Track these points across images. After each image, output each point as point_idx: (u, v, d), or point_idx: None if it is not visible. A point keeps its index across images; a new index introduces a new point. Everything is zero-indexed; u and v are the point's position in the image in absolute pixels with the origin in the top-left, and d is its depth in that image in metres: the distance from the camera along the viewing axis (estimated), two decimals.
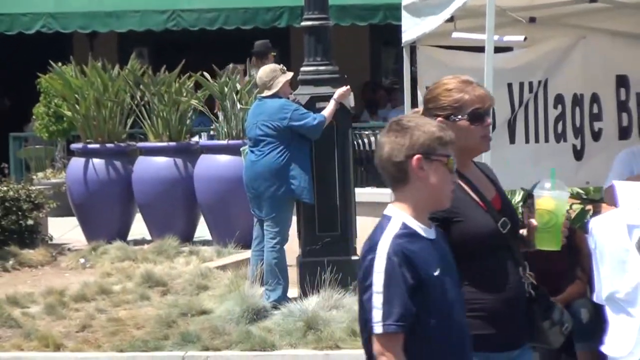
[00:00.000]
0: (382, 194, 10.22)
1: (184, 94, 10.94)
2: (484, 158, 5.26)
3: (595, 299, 5.22)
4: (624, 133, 6.59)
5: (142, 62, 12.21)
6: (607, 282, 5.11)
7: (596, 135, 6.63)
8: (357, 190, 8.87)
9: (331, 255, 8.10)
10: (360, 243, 8.60)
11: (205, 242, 10.67)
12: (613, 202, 5.26)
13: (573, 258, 5.92)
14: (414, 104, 6.61)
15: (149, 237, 10.86)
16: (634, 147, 5.95)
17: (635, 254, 5.01)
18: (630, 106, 6.55)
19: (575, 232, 6.12)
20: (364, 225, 9.45)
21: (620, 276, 5.07)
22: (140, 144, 11.26)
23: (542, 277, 5.95)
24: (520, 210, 6.78)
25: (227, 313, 7.73)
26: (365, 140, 11.87)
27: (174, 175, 10.76)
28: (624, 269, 5.05)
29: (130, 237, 10.93)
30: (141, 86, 11.04)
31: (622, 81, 6.58)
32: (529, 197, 6.11)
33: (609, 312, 5.14)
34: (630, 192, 5.14)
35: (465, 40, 5.96)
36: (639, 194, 5.11)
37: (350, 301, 7.71)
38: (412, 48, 6.42)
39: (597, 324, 5.52)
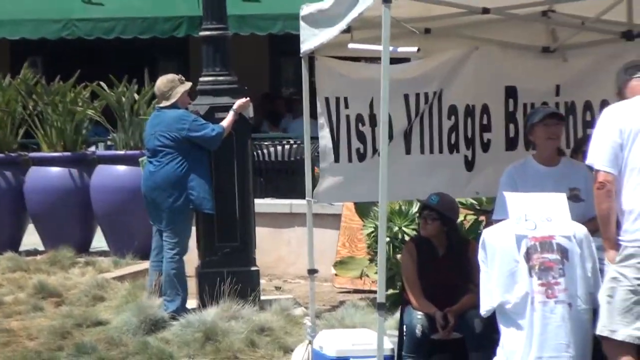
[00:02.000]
0: (281, 204, 10.26)
1: (80, 104, 10.80)
2: (382, 169, 5.33)
3: (482, 312, 5.32)
4: (511, 144, 6.75)
5: (35, 71, 12.01)
6: (497, 293, 5.22)
7: (485, 146, 6.78)
8: (257, 201, 8.88)
9: (230, 266, 8.09)
10: (259, 254, 8.68)
11: (102, 253, 10.55)
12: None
13: (466, 269, 6.03)
14: (314, 114, 6.67)
15: (42, 248, 10.68)
16: (517, 162, 6.08)
17: (523, 265, 5.14)
18: (517, 117, 6.73)
19: (469, 243, 6.23)
20: (263, 236, 9.49)
21: (510, 287, 5.18)
22: (33, 154, 11.08)
23: (438, 289, 6.10)
24: (417, 221, 6.89)
25: (124, 324, 7.65)
26: (265, 151, 11.88)
27: (68, 186, 10.62)
28: (514, 279, 5.17)
29: (22, 248, 10.74)
30: (34, 96, 10.87)
31: (511, 92, 6.74)
32: (424, 208, 6.24)
33: (500, 324, 5.26)
34: (520, 203, 5.28)
35: (362, 51, 6.03)
36: (528, 205, 5.24)
37: (249, 312, 7.71)
38: (311, 58, 6.48)
39: (490, 334, 5.63)
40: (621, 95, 5.17)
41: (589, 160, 4.96)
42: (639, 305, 4.84)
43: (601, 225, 4.98)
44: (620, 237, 4.91)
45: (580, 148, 6.32)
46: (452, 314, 6.02)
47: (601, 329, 4.96)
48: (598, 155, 4.89)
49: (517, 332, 5.17)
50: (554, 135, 5.87)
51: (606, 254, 5.00)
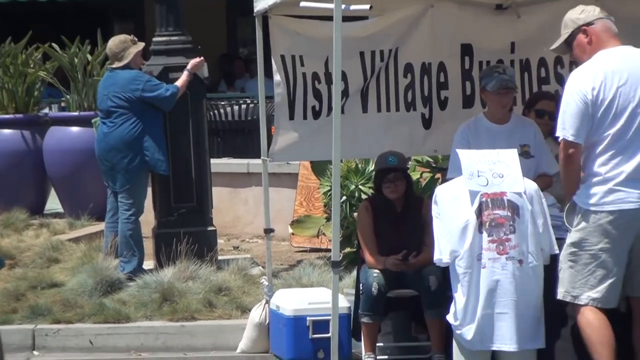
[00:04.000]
0: (238, 164, 10.23)
1: (32, 66, 10.66)
2: (335, 128, 5.32)
3: (434, 260, 5.36)
4: (468, 102, 6.77)
5: None
6: (448, 248, 5.25)
7: (443, 104, 6.79)
8: (214, 160, 8.84)
9: (187, 226, 8.06)
10: (216, 214, 8.65)
11: (57, 215, 10.46)
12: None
13: (421, 226, 6.05)
14: (268, 73, 6.63)
15: None
16: (469, 120, 6.11)
17: (474, 221, 5.16)
18: (473, 75, 6.73)
19: (423, 200, 6.25)
20: (220, 196, 9.46)
21: (461, 242, 5.21)
22: None
23: (395, 247, 6.12)
24: (371, 180, 6.90)
25: (80, 285, 7.61)
26: (222, 111, 11.83)
27: (21, 148, 10.50)
28: (464, 235, 5.19)
29: None
30: None
31: (466, 50, 6.74)
32: (387, 171, 6.22)
33: (452, 281, 5.29)
34: (472, 159, 5.29)
35: (315, 9, 5.99)
36: (480, 161, 5.26)
37: (207, 272, 7.70)
38: (265, 18, 6.42)
39: (444, 291, 5.67)
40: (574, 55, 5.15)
41: (558, 131, 4.97)
42: (601, 269, 4.86)
43: (567, 189, 5.01)
44: (583, 201, 4.91)
45: (533, 105, 6.35)
46: (408, 266, 6.05)
47: (564, 294, 4.97)
48: (566, 125, 4.91)
49: (466, 288, 5.20)
50: (506, 103, 5.99)
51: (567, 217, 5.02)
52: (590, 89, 4.88)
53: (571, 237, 4.99)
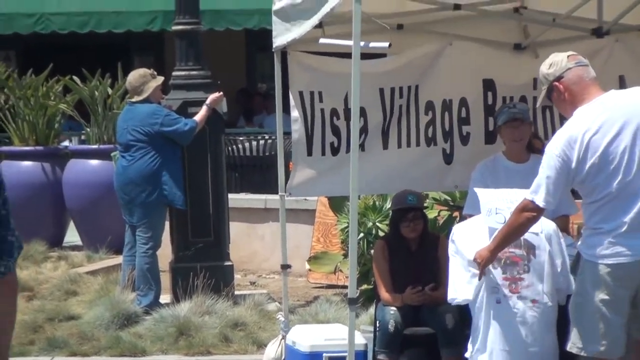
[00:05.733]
0: (255, 199, 10.24)
1: (52, 98, 10.74)
2: (353, 164, 5.32)
3: (448, 299, 5.33)
4: (490, 137, 6.73)
5: (8, 65, 11.92)
6: (464, 285, 5.22)
7: (464, 139, 6.76)
8: (231, 196, 8.86)
9: (204, 261, 8.06)
10: (233, 249, 8.65)
11: (75, 248, 10.49)
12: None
13: (437, 265, 6.03)
14: (286, 109, 6.65)
15: None
16: (487, 159, 6.09)
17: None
18: (496, 110, 6.71)
19: (439, 239, 6.24)
20: (237, 231, 9.46)
21: (475, 279, 5.18)
22: (4, 148, 11.00)
23: (410, 286, 6.10)
24: (389, 215, 6.89)
25: (97, 318, 7.61)
26: (240, 146, 11.86)
27: (40, 180, 10.56)
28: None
29: None
30: (6, 90, 10.79)
31: (489, 85, 6.72)
32: (407, 210, 6.18)
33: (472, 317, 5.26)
34: (490, 197, 5.28)
35: (335, 46, 6.01)
36: (498, 199, 5.25)
37: (223, 307, 7.69)
38: (284, 54, 6.45)
39: (461, 330, 5.64)
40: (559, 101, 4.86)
41: (529, 192, 4.73)
42: (603, 322, 4.68)
43: (507, 238, 4.88)
44: (584, 250, 4.73)
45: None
46: (424, 297, 6.03)
47: (570, 346, 4.81)
48: (541, 189, 4.68)
49: (481, 325, 5.18)
50: (518, 137, 5.95)
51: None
52: (572, 155, 4.64)
53: (576, 286, 4.86)
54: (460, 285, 5.24)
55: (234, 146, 11.58)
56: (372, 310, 6.85)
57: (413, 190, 6.29)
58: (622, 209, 4.65)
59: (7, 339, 2.97)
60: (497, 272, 5.13)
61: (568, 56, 4.85)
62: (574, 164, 4.65)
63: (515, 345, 5.11)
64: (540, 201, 4.70)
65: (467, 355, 5.33)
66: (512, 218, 4.87)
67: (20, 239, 2.97)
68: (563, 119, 6.63)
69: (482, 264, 4.98)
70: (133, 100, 8.05)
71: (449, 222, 7.63)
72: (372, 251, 7.16)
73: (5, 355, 2.97)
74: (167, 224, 8.22)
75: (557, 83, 4.79)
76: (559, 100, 4.83)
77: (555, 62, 4.82)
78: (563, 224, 5.72)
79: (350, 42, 5.17)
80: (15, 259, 2.96)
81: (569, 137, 4.68)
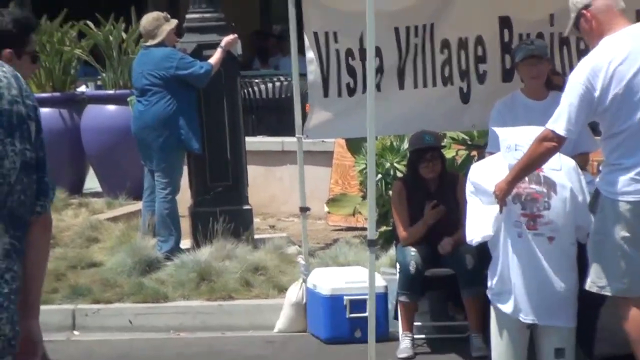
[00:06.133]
0: (273, 142, 10.19)
1: (67, 43, 10.68)
2: (369, 105, 5.26)
3: (467, 240, 5.29)
4: (508, 75, 6.65)
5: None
6: (484, 224, 5.17)
7: (481, 78, 6.69)
8: (248, 139, 8.81)
9: (223, 205, 8.04)
10: (251, 193, 8.61)
11: (95, 194, 10.49)
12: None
13: (457, 204, 5.99)
14: (302, 50, 6.57)
15: None
16: (506, 97, 6.02)
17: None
18: (513, 48, 6.61)
19: (458, 178, 6.19)
20: (255, 175, 9.42)
21: (495, 215, 5.13)
22: None
23: (435, 227, 6.07)
24: (407, 155, 6.85)
25: (119, 265, 7.63)
26: (256, 89, 11.78)
27: (59, 126, 10.53)
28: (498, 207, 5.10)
29: None
30: None
31: (505, 22, 6.62)
32: (425, 150, 6.13)
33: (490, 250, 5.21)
34: (510, 135, 5.22)
35: None
36: (518, 136, 5.18)
37: (243, 251, 7.69)
38: None
39: (481, 270, 5.61)
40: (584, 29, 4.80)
41: (550, 122, 4.69)
42: (624, 259, 4.64)
43: (526, 168, 4.84)
44: (604, 188, 4.68)
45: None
46: (450, 244, 6.00)
47: (590, 285, 4.78)
48: (561, 118, 4.64)
49: (501, 259, 5.15)
50: (536, 74, 5.89)
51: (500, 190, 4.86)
52: (596, 84, 4.59)
53: (594, 224, 4.80)
54: (479, 225, 5.20)
55: (250, 89, 11.48)
56: (391, 252, 6.84)
57: (430, 130, 6.23)
58: None
59: (41, 277, 3.05)
60: (516, 207, 5.08)
61: None
62: (597, 93, 4.59)
63: (535, 280, 5.07)
64: (561, 130, 4.64)
65: (487, 292, 5.30)
66: (531, 148, 4.81)
67: (53, 182, 3.04)
68: (581, 55, 6.57)
69: (501, 195, 4.94)
70: (147, 44, 7.98)
71: (467, 161, 7.56)
72: (390, 192, 7.13)
73: (38, 293, 3.05)
74: (185, 169, 8.20)
75: (585, 11, 4.76)
76: (586, 29, 4.78)
77: None
78: (583, 161, 5.67)
79: None
80: (51, 199, 3.03)
81: (594, 66, 4.63)
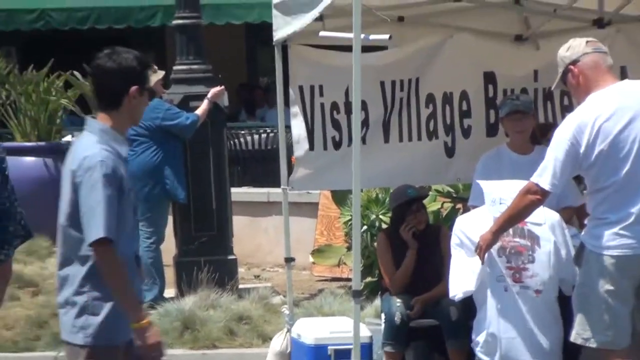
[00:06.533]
0: (258, 193, 10.25)
1: (53, 93, 10.74)
2: (355, 157, 5.32)
3: (451, 296, 5.32)
4: (492, 130, 6.74)
5: (9, 61, 11.91)
6: (468, 277, 5.22)
7: (466, 133, 6.76)
8: (234, 189, 8.87)
9: (208, 255, 8.08)
10: (236, 243, 8.65)
11: None
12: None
13: (439, 256, 6.04)
14: (288, 102, 6.64)
15: None
16: (491, 151, 6.10)
17: (494, 246, 5.14)
18: (498, 103, 6.71)
19: (440, 229, 6.25)
20: (241, 225, 9.46)
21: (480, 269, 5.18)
22: (7, 144, 10.98)
23: (414, 278, 6.11)
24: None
25: None
26: (242, 140, 11.87)
27: (43, 175, 10.55)
28: (486, 259, 5.15)
29: None
30: (7, 85, 10.79)
31: (489, 78, 6.73)
32: (409, 203, 6.18)
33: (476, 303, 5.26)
34: (494, 188, 5.28)
35: (335, 39, 6.01)
36: (502, 190, 5.25)
37: (228, 301, 7.70)
38: (285, 47, 6.45)
39: (465, 321, 5.65)
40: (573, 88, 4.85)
41: (535, 175, 4.71)
42: (608, 312, 4.66)
43: (509, 220, 4.87)
44: (588, 241, 4.71)
45: (544, 136, 6.32)
46: (420, 303, 6.03)
47: (575, 337, 4.79)
48: (546, 172, 4.67)
49: (487, 313, 5.19)
50: (520, 129, 5.96)
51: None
52: (582, 140, 4.62)
53: (579, 277, 4.82)
54: (462, 280, 5.24)
55: (236, 140, 11.58)
56: (376, 302, 6.86)
57: (408, 184, 6.30)
58: (629, 200, 4.63)
59: None
60: (501, 260, 5.14)
61: (587, 42, 4.86)
62: (582, 149, 4.63)
63: (520, 335, 5.11)
64: (545, 184, 4.67)
65: (472, 345, 5.33)
66: (516, 200, 4.83)
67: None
68: (565, 110, 6.69)
69: (484, 246, 4.96)
70: None
71: (452, 214, 7.63)
72: (375, 244, 7.17)
73: None
74: (170, 218, 8.23)
75: (572, 66, 4.80)
76: (573, 84, 4.82)
77: (573, 46, 4.83)
78: (568, 215, 5.73)
79: (350, 35, 5.17)
80: (15, 247, 3.01)
81: (580, 122, 4.67)
